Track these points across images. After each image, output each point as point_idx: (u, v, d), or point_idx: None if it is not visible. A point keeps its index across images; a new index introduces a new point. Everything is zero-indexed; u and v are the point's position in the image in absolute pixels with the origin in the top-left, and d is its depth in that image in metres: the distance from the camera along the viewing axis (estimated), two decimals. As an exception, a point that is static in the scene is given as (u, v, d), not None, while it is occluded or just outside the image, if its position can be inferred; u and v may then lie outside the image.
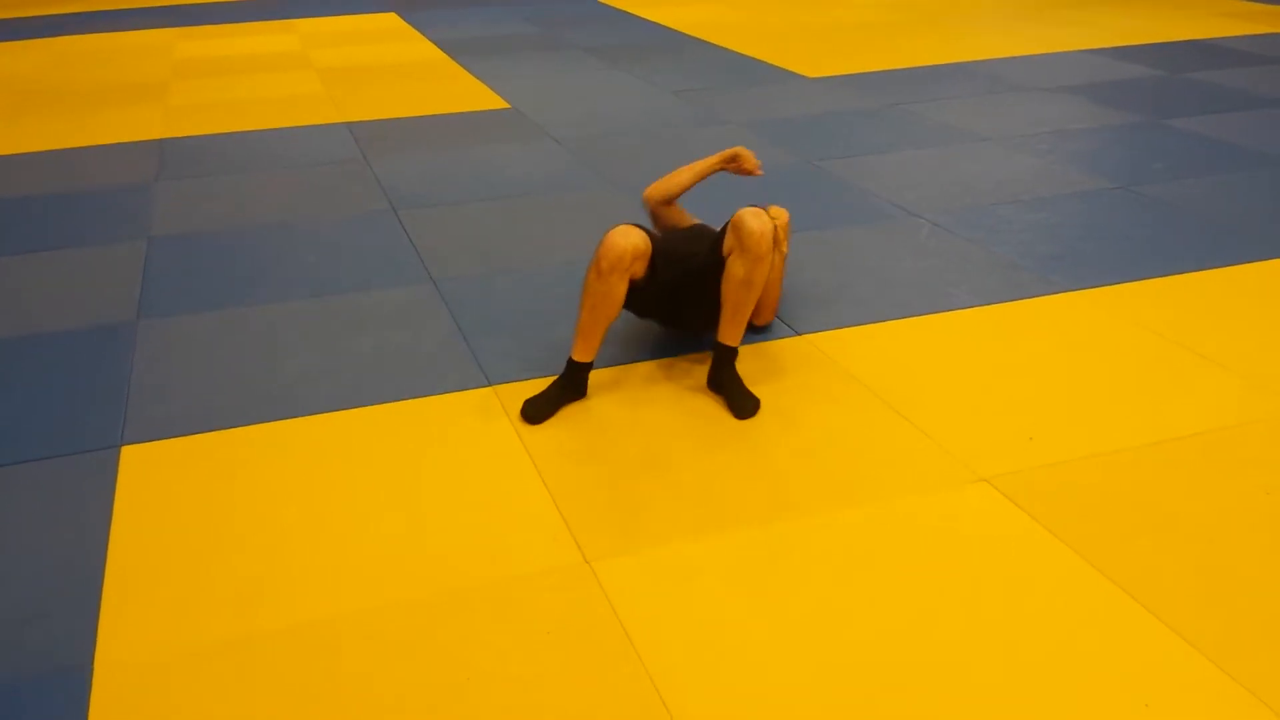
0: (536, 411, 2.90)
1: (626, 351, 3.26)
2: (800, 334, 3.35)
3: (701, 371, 3.11)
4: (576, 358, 2.97)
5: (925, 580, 2.24)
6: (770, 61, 7.24)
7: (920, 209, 4.39)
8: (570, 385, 2.97)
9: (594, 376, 3.07)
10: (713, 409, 2.94)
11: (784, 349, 3.27)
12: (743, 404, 2.91)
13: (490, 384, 3.09)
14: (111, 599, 2.26)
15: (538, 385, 3.05)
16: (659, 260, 3.00)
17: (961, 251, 3.96)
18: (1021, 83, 6.43)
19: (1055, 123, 5.58)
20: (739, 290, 2.92)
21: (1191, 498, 2.48)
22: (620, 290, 2.93)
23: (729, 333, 2.98)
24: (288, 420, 2.93)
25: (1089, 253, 3.92)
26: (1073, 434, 2.76)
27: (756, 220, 2.88)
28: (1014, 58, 7.12)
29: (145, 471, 2.72)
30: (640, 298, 3.07)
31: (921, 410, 2.89)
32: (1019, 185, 4.65)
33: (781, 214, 3.31)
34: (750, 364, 3.14)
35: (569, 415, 2.92)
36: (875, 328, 3.39)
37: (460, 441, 2.81)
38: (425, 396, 3.03)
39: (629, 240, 2.90)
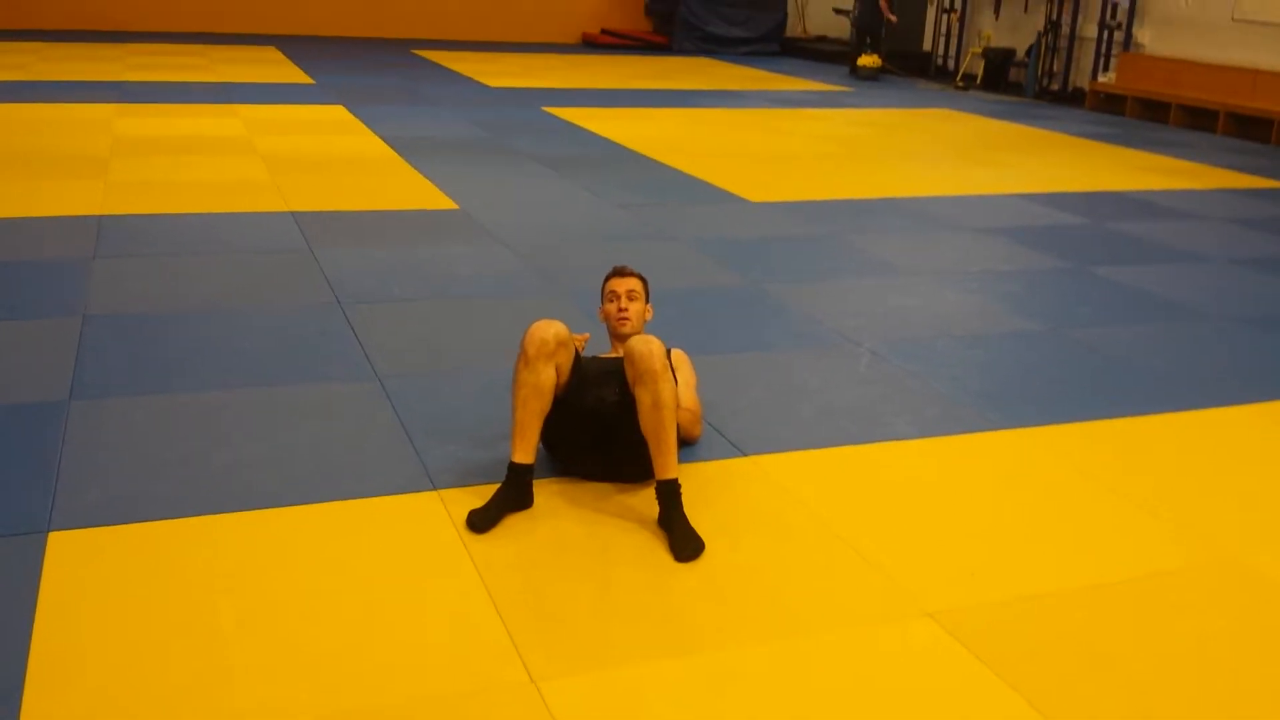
0: (481, 520, 2.86)
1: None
2: (746, 454, 3.38)
3: (649, 488, 3.10)
4: (517, 459, 2.94)
5: (871, 716, 2.24)
6: (713, 183, 7.42)
7: (860, 337, 4.49)
8: (514, 491, 2.94)
9: (541, 486, 3.04)
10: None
11: (730, 469, 3.29)
12: (683, 546, 2.80)
13: (435, 488, 3.04)
14: (33, 695, 2.15)
15: (485, 492, 3.01)
16: (574, 378, 3.05)
17: (900, 382, 4.05)
18: (953, 221, 6.68)
19: (985, 262, 5.79)
20: (652, 416, 2.90)
21: (1129, 642, 2.53)
22: (549, 379, 2.95)
23: (661, 465, 2.92)
24: (224, 514, 2.85)
25: (1023, 392, 4.03)
26: (1013, 572, 2.80)
27: (642, 344, 2.94)
28: (945, 196, 7.40)
29: (73, 559, 2.61)
30: (562, 430, 3.07)
31: (866, 539, 2.92)
32: (953, 321, 4.79)
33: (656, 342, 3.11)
34: (696, 483, 3.15)
35: (516, 526, 2.89)
36: (819, 453, 3.43)
37: (403, 547, 2.76)
38: (368, 497, 2.97)
39: (551, 328, 2.99)
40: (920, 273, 5.51)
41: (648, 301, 3.55)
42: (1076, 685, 2.36)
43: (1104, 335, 4.71)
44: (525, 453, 2.95)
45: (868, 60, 15.33)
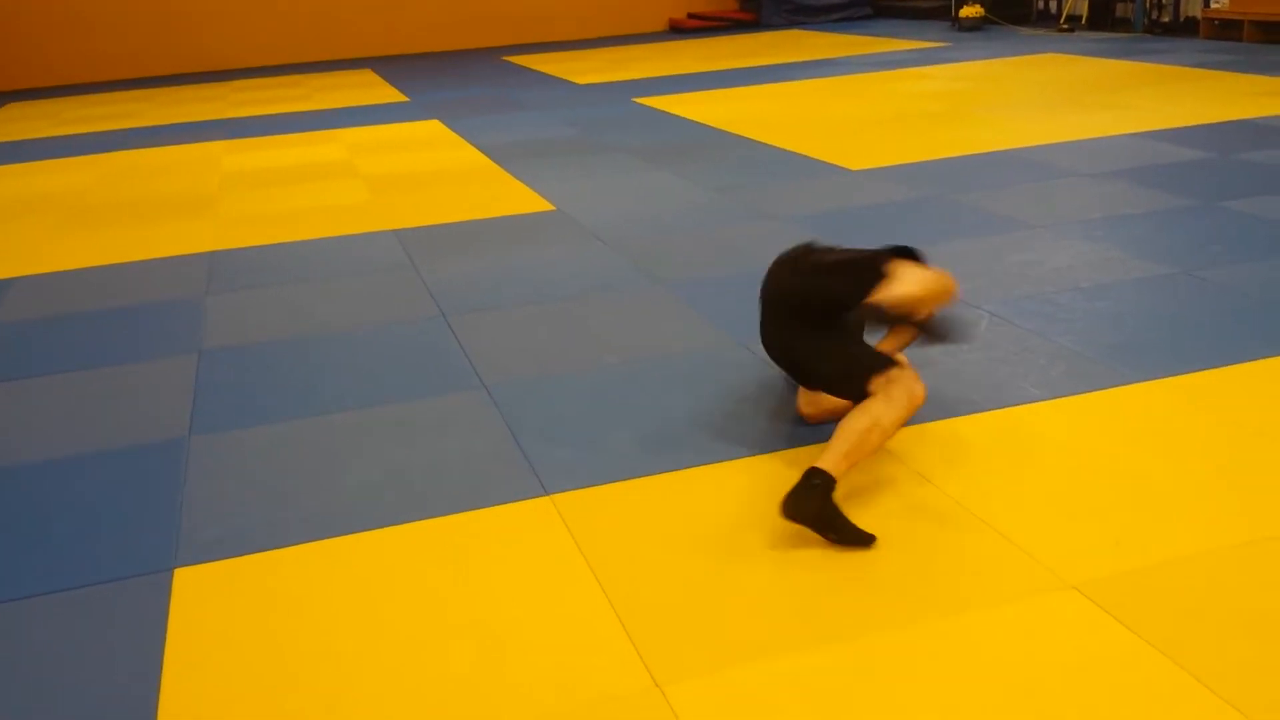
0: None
1: (699, 454, 3.17)
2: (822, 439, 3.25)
3: (780, 474, 3.01)
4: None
5: (1022, 699, 2.10)
6: (811, 155, 7.25)
7: (978, 299, 4.30)
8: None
9: (650, 482, 2.98)
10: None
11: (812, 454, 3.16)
12: (795, 501, 2.69)
13: (547, 493, 3.00)
14: (164, 734, 2.17)
15: (597, 494, 2.97)
16: None
17: (1024, 342, 3.86)
18: (1068, 169, 6.38)
19: (1107, 208, 5.50)
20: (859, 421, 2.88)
21: (1297, 602, 2.34)
22: None
23: (833, 460, 2.82)
24: (343, 537, 2.86)
25: (1155, 341, 3.80)
26: (1161, 535, 2.62)
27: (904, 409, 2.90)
28: (1058, 144, 7.08)
29: (199, 595, 2.64)
30: None
31: (1002, 512, 2.77)
32: (1076, 273, 4.55)
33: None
34: (794, 473, 3.04)
35: (629, 522, 2.82)
36: (943, 424, 3.28)
37: (519, 556, 2.72)
38: (482, 508, 2.95)
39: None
40: (1038, 225, 5.26)
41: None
42: (1236, 648, 2.19)
43: (1239, 273, 4.42)
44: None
45: (970, 10, 14.86)
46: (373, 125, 9.92)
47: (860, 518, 2.76)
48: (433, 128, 9.60)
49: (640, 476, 3.07)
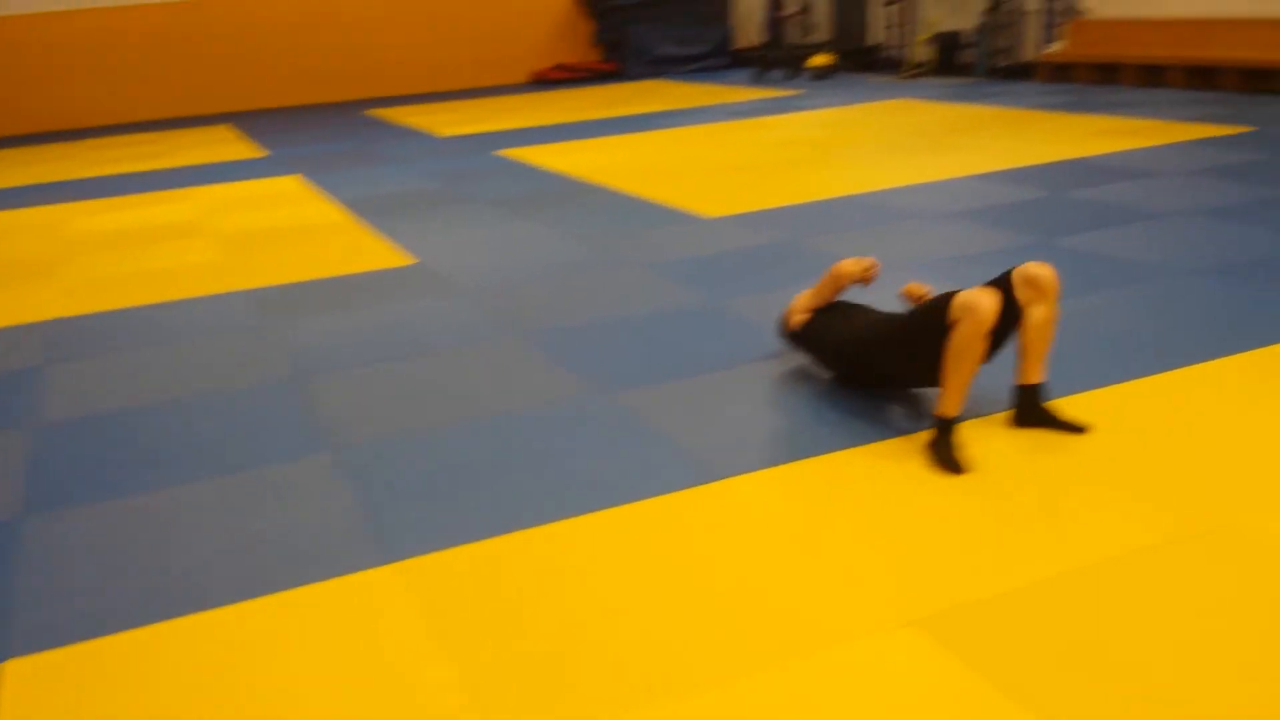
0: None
1: (557, 509, 3.17)
2: (713, 479, 3.29)
3: (642, 523, 3.02)
4: (956, 414, 3.32)
5: (860, 740, 2.15)
6: (670, 203, 7.37)
7: (826, 343, 4.41)
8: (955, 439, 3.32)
9: (509, 543, 2.96)
10: (635, 572, 2.84)
11: (691, 499, 3.20)
12: (1073, 426, 3.43)
13: (395, 560, 2.96)
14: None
15: (448, 557, 2.93)
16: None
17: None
18: (914, 211, 6.62)
19: (949, 248, 5.72)
20: (1045, 330, 3.43)
21: (1120, 626, 2.44)
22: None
23: (1038, 371, 3.48)
24: (187, 617, 2.77)
25: (995, 376, 3.95)
26: (1000, 564, 2.71)
27: (1043, 268, 3.41)
28: (905, 187, 7.34)
29: (34, 688, 2.52)
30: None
31: (842, 549, 2.83)
32: (920, 312, 4.71)
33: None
34: (652, 516, 3.07)
35: (481, 586, 2.80)
36: (782, 470, 3.34)
37: (362, 628, 2.67)
38: (327, 580, 2.88)
39: (997, 305, 3.28)
40: (887, 268, 5.43)
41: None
42: (1066, 679, 2.27)
43: (1073, 305, 4.63)
44: (960, 406, 3.34)
45: (820, 59, 15.35)
46: (229, 182, 9.73)
47: (695, 567, 2.80)
48: (292, 183, 9.46)
49: (495, 536, 3.05)
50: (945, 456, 3.26)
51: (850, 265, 3.93)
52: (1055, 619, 2.49)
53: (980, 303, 3.23)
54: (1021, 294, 3.43)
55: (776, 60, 15.51)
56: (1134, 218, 6.07)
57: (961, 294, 3.32)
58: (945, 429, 3.32)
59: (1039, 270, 3.43)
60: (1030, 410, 3.49)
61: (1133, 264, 5.20)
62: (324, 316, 5.30)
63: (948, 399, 3.32)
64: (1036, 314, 3.42)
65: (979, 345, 3.25)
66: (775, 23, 15.35)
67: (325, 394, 4.25)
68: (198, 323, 5.36)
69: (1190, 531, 2.81)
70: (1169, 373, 3.86)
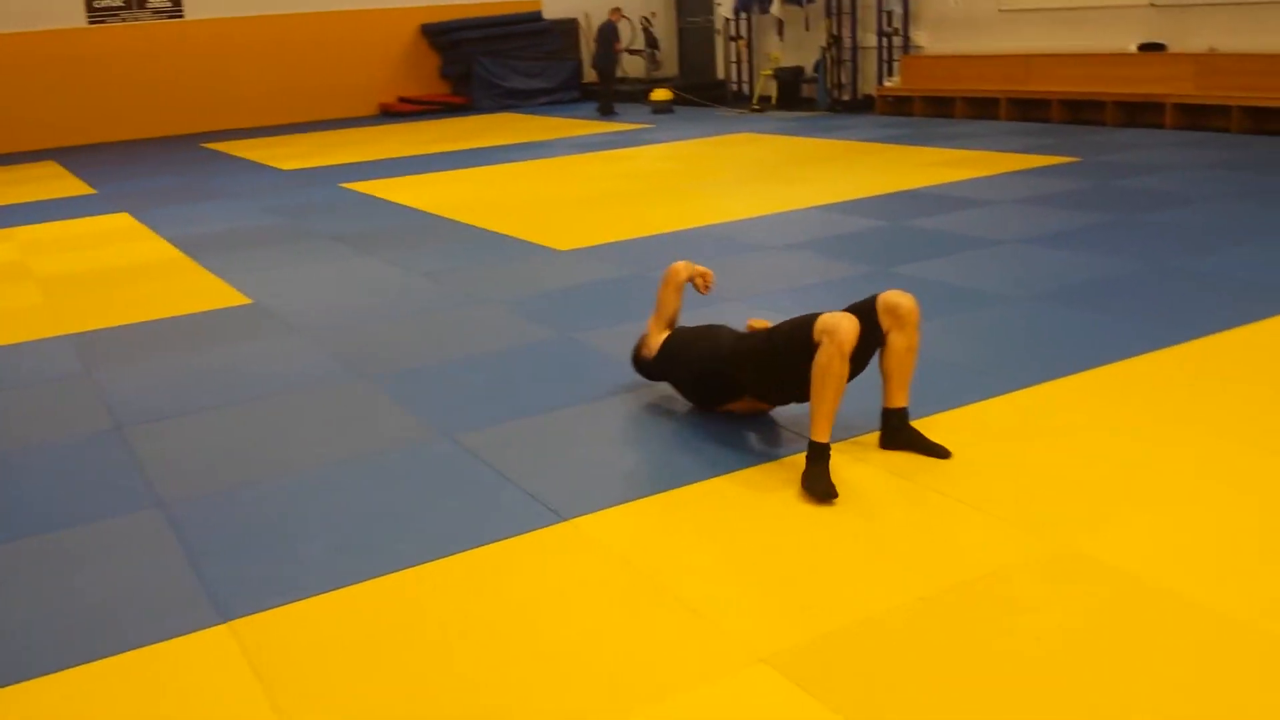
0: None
1: (397, 559, 3.03)
2: (564, 519, 3.21)
3: (487, 569, 2.91)
4: (826, 440, 3.31)
5: (713, 787, 2.09)
6: (521, 237, 7.29)
7: (676, 375, 4.39)
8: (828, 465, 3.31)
9: (348, 596, 2.81)
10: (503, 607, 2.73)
11: (548, 538, 3.11)
12: (937, 449, 3.47)
13: (225, 620, 2.78)
14: None
15: (282, 615, 2.77)
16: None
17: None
18: (758, 242, 6.69)
19: (791, 279, 5.79)
20: (906, 357, 3.50)
21: (971, 652, 2.45)
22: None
23: (902, 396, 3.55)
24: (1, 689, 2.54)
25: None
26: (847, 596, 2.71)
27: (903, 297, 3.49)
28: (749, 219, 7.44)
29: None
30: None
31: (692, 587, 2.78)
32: (768, 343, 4.74)
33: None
34: (511, 558, 2.98)
35: (315, 643, 2.65)
36: (635, 504, 3.29)
37: (190, 694, 2.49)
38: (153, 644, 2.69)
39: (857, 325, 3.30)
40: (727, 298, 5.46)
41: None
42: (923, 715, 2.26)
43: (914, 334, 4.72)
44: (829, 433, 3.33)
45: (660, 94, 15.53)
46: (53, 221, 9.22)
47: (553, 608, 2.71)
48: (120, 221, 9.02)
49: (332, 590, 2.89)
50: (814, 483, 3.25)
51: (683, 265, 4.08)
52: (905, 647, 2.49)
53: (840, 326, 3.27)
54: (883, 321, 3.50)
55: (617, 96, 15.63)
56: (969, 245, 6.27)
57: (823, 316, 3.34)
58: (816, 455, 3.31)
59: (899, 299, 3.49)
60: (896, 433, 3.55)
61: (969, 291, 5.35)
62: (152, 361, 5.03)
63: (817, 424, 3.32)
64: (897, 341, 3.49)
65: (840, 367, 3.28)
66: (610, 58, 15.46)
67: (153, 444, 4.01)
68: (15, 370, 5.01)
69: (1039, 555, 2.86)
70: (1009, 395, 3.96)
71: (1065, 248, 6.07)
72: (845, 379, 3.34)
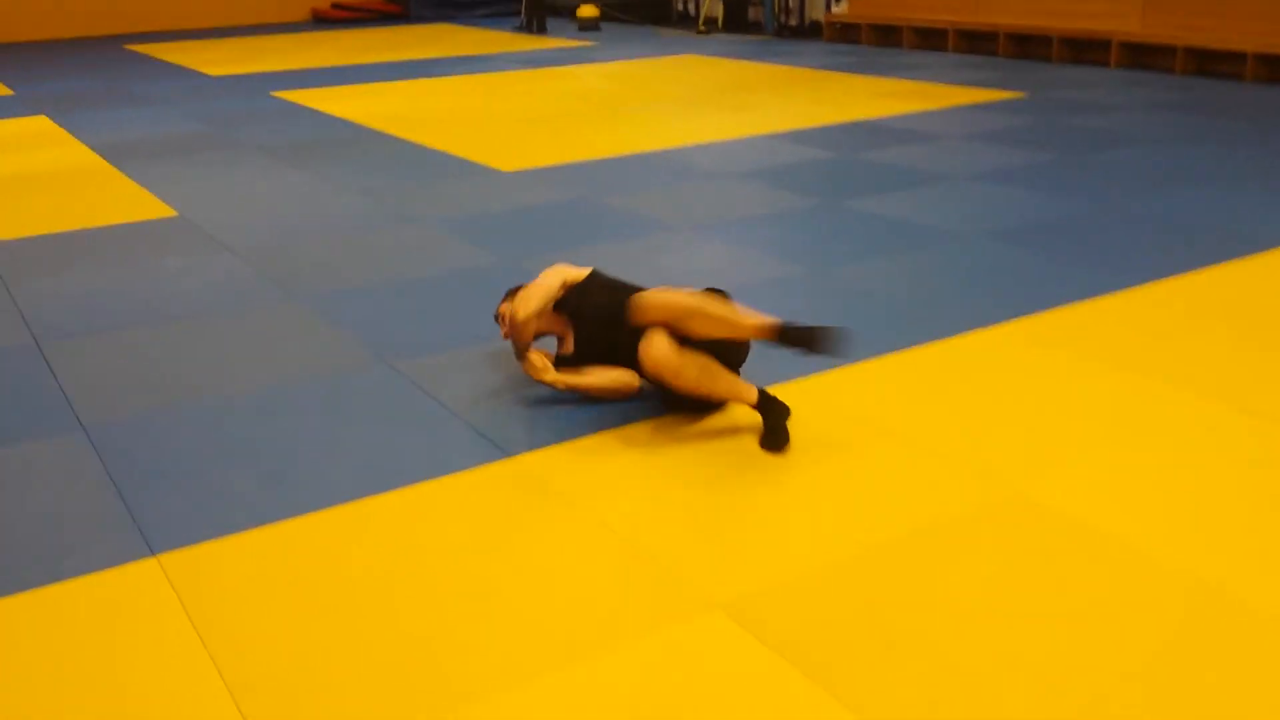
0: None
1: (333, 493, 2.91)
2: (511, 454, 3.11)
3: (430, 506, 2.80)
4: (753, 399, 3.22)
5: (665, 738, 2.03)
6: (461, 155, 7.07)
7: (623, 305, 4.28)
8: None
9: (281, 531, 2.69)
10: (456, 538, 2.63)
11: (496, 475, 3.01)
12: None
13: (153, 553, 2.65)
14: None
15: (211, 549, 2.65)
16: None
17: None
18: (708, 170, 6.56)
19: (742, 209, 5.69)
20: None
21: (927, 604, 2.41)
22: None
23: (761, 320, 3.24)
24: (-110, 628, 2.38)
25: (790, 341, 3.91)
26: (800, 544, 2.65)
27: (648, 360, 3.15)
28: (697, 145, 7.29)
29: None
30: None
31: (635, 530, 2.71)
32: (715, 275, 4.64)
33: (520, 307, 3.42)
34: (463, 498, 2.88)
35: (249, 581, 2.53)
36: (583, 441, 3.20)
37: (118, 632, 2.36)
38: (75, 577, 2.55)
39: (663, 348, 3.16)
40: (680, 228, 5.35)
41: (512, 301, 3.57)
42: (874, 663, 2.23)
43: (864, 271, 4.67)
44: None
45: (586, 10, 15.13)
46: (-37, 121, 8.76)
47: (505, 545, 2.63)
48: (38, 124, 8.60)
49: (264, 524, 2.77)
50: (769, 435, 3.15)
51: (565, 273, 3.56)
52: (858, 596, 2.44)
53: (650, 353, 3.13)
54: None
55: (540, 8, 15.14)
56: (917, 181, 6.20)
57: (644, 340, 3.16)
58: (766, 409, 3.19)
59: (644, 350, 3.17)
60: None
61: (917, 227, 5.29)
62: (73, 273, 4.79)
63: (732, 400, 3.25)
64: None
65: (689, 376, 3.14)
66: None
67: (74, 362, 3.81)
68: (-80, 280, 4.74)
69: (987, 502, 2.83)
70: (957, 337, 3.91)
71: (1013, 185, 6.03)
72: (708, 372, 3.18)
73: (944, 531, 2.69)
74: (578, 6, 15.34)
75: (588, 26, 14.99)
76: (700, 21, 15.14)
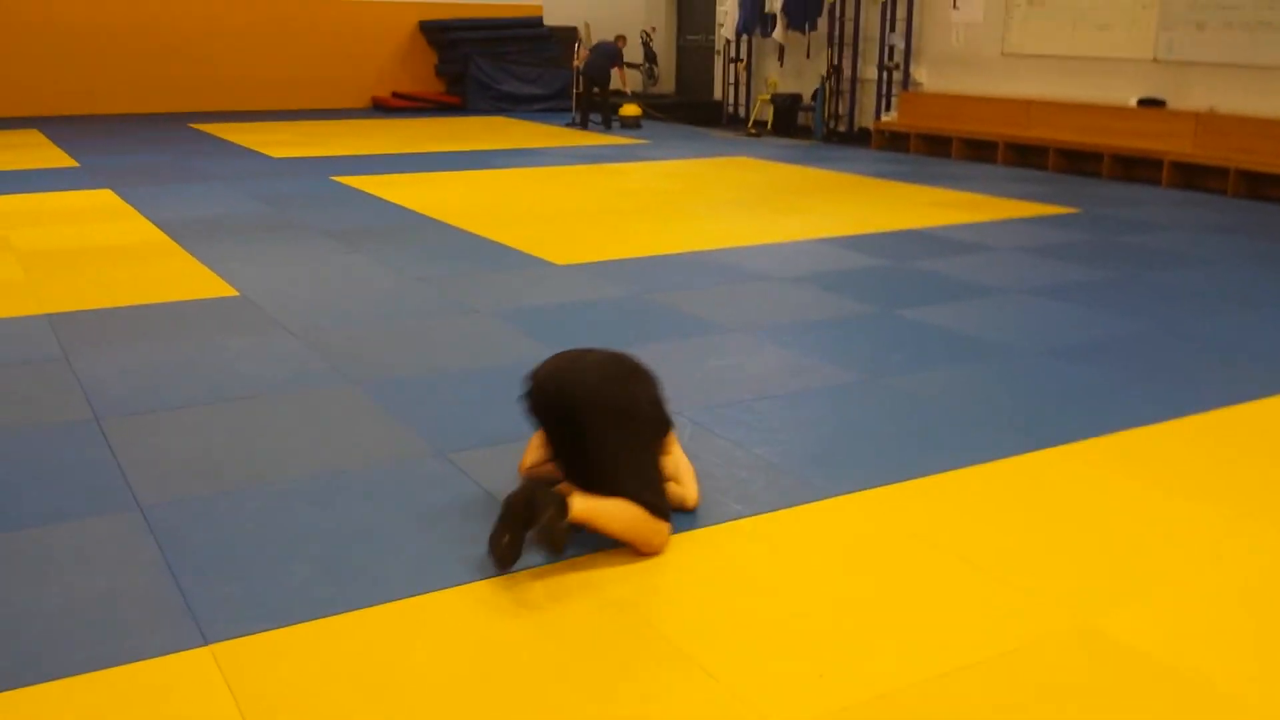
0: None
1: (389, 588, 2.87)
2: (566, 557, 3.07)
3: (478, 608, 2.76)
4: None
5: None
6: (515, 246, 7.14)
7: (679, 406, 4.25)
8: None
9: (337, 625, 2.65)
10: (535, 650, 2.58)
11: (551, 577, 2.97)
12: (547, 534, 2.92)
13: (206, 643, 2.61)
14: None
15: (265, 641, 2.61)
16: None
17: (726, 453, 3.83)
18: (760, 272, 6.59)
19: (796, 313, 5.68)
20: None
21: (992, 736, 2.33)
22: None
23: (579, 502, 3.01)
24: (-58, 707, 2.36)
25: (847, 452, 3.87)
26: (862, 668, 2.58)
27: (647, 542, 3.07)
28: (750, 246, 7.33)
29: None
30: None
31: (700, 643, 2.65)
32: (771, 380, 4.62)
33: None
34: (503, 601, 2.83)
35: (304, 676, 2.49)
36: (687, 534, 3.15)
37: (168, 723, 2.33)
38: (124, 664, 2.52)
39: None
40: (734, 329, 5.35)
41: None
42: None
43: (919, 381, 4.63)
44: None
45: (630, 109, 15.37)
46: (34, 193, 8.98)
47: (554, 652, 2.57)
48: (103, 197, 8.80)
49: (321, 617, 2.73)
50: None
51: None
52: (926, 726, 2.36)
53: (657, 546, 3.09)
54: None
55: (593, 106, 15.39)
56: (971, 293, 6.19)
57: (664, 525, 3.11)
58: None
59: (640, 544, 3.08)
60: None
61: (972, 339, 5.25)
62: (134, 349, 4.84)
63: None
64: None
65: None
66: (606, 76, 15.21)
67: (131, 440, 3.83)
68: (-14, 349, 4.81)
69: (1052, 631, 2.75)
70: (1019, 457, 3.85)
71: (1069, 301, 6.00)
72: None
73: (1004, 662, 2.61)
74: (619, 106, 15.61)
75: (629, 125, 15.23)
76: (750, 124, 15.37)
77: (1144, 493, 3.57)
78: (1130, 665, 2.59)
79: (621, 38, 15.62)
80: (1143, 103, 11.48)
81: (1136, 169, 11.21)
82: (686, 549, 3.14)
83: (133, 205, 8.44)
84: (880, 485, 3.58)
